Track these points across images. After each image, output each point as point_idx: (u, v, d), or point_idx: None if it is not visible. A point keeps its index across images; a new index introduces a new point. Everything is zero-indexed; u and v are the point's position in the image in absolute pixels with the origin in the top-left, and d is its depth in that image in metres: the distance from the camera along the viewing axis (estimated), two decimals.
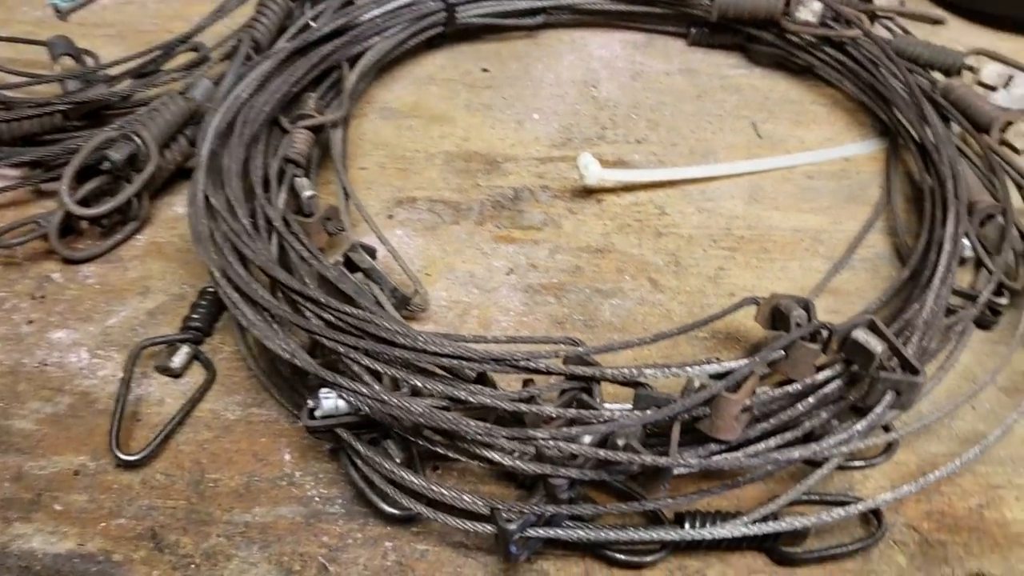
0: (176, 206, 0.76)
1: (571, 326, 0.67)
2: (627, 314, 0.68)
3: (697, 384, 0.53)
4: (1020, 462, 0.60)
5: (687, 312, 0.69)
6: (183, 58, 0.83)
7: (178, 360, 0.64)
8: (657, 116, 0.86)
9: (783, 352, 0.56)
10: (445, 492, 0.53)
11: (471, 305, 0.69)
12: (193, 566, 0.54)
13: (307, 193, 0.70)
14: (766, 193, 0.78)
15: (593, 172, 0.74)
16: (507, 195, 0.78)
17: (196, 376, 0.64)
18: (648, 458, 0.50)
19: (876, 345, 0.54)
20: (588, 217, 0.76)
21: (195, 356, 0.65)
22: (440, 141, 0.82)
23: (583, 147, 0.81)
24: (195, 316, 0.66)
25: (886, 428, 0.59)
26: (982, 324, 0.67)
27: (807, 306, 0.59)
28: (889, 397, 0.54)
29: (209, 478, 0.58)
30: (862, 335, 0.54)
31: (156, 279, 0.70)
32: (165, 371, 0.64)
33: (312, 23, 0.83)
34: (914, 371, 0.54)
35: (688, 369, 0.55)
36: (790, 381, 0.56)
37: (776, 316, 0.60)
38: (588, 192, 0.78)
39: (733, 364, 0.54)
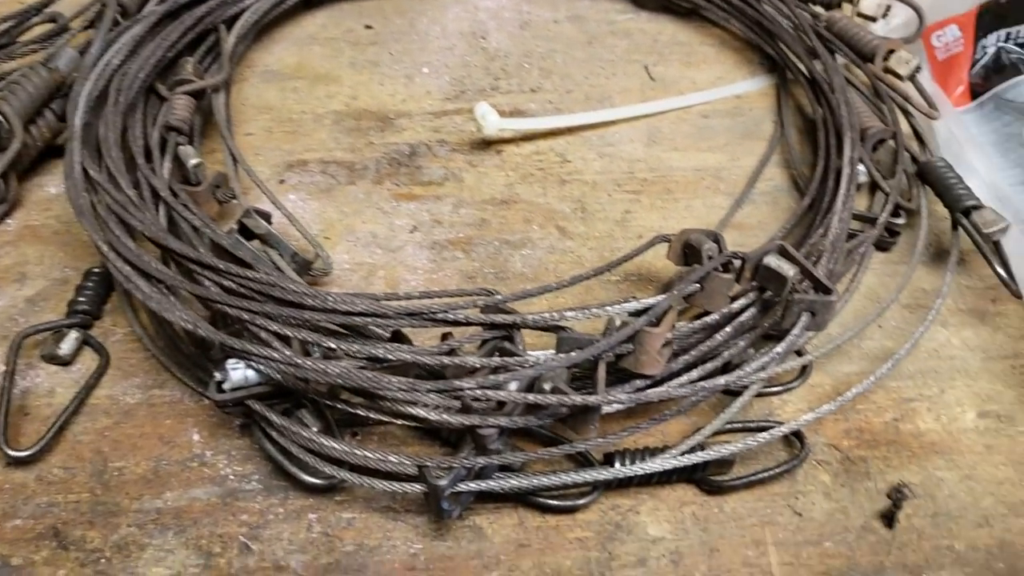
0: (48, 187, 0.71)
1: (482, 280, 0.66)
2: (538, 263, 0.67)
3: (618, 322, 0.52)
4: (928, 375, 0.62)
5: (598, 257, 0.68)
6: (39, 29, 0.77)
7: (66, 347, 0.60)
8: (549, 64, 0.84)
9: (699, 285, 0.55)
10: (369, 455, 0.51)
11: (376, 266, 0.66)
12: (104, 560, 0.50)
13: (193, 161, 0.66)
14: (664, 135, 0.78)
15: (491, 122, 0.72)
16: (403, 152, 0.75)
17: (88, 362, 0.60)
18: (578, 398, 0.49)
19: (788, 269, 0.54)
20: (489, 169, 0.74)
21: (85, 341, 0.61)
22: (327, 101, 0.79)
23: (477, 99, 0.79)
24: (81, 299, 0.62)
25: (799, 352, 0.60)
26: (881, 246, 0.68)
27: (717, 238, 0.59)
28: (805, 319, 0.55)
29: (113, 467, 0.54)
30: (774, 260, 0.55)
31: (33, 264, 0.65)
32: (53, 359, 0.59)
33: None
34: (827, 291, 0.54)
35: (608, 309, 0.54)
36: (707, 313, 0.56)
37: (688, 251, 0.60)
38: (487, 144, 0.76)
39: (651, 300, 0.54)
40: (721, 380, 0.53)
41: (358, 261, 0.67)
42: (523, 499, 0.54)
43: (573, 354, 0.51)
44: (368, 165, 0.74)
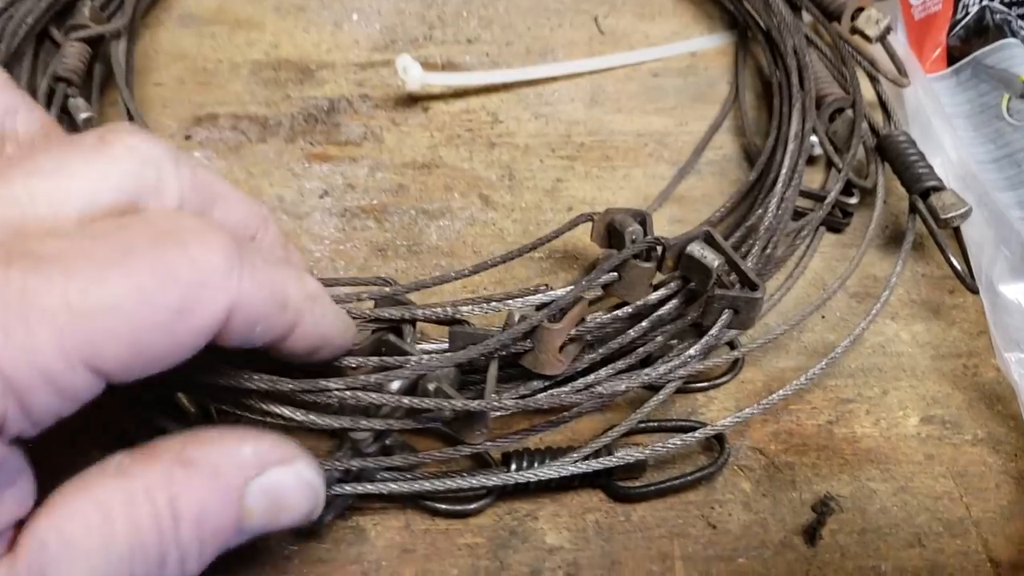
0: None
1: (393, 253, 0.60)
2: (456, 236, 0.62)
3: (517, 317, 0.47)
4: (871, 373, 0.56)
5: (521, 231, 0.62)
6: None
7: None
8: (490, 12, 0.77)
9: (615, 274, 0.50)
10: None
11: None
12: None
13: (83, 115, 0.60)
14: (608, 94, 0.72)
15: (413, 76, 0.66)
16: (321, 107, 0.69)
17: None
18: (459, 403, 0.44)
19: (713, 260, 0.48)
20: (413, 128, 0.68)
21: None
22: (247, 49, 0.73)
23: (408, 49, 0.73)
24: None
25: (732, 346, 0.55)
26: (833, 227, 0.63)
27: (644, 220, 0.53)
28: (726, 316, 0.49)
29: None
30: (698, 249, 0.49)
31: None
32: None
33: None
34: (752, 286, 0.49)
35: (510, 302, 0.49)
36: (624, 304, 0.51)
37: (612, 233, 0.54)
38: (413, 100, 0.70)
39: (561, 292, 0.49)
40: (622, 385, 0.48)
41: None
42: (412, 499, 0.50)
43: (459, 353, 0.46)
44: (282, 121, 0.68)
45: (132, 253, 0.31)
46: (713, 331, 0.49)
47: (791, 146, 0.58)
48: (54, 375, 0.29)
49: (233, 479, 0.37)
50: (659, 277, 0.52)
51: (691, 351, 0.49)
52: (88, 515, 0.33)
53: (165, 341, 0.32)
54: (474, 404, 0.44)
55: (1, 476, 0.31)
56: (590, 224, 0.55)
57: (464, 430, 0.46)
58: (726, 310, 0.49)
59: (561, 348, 0.47)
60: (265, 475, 0.38)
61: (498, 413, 0.47)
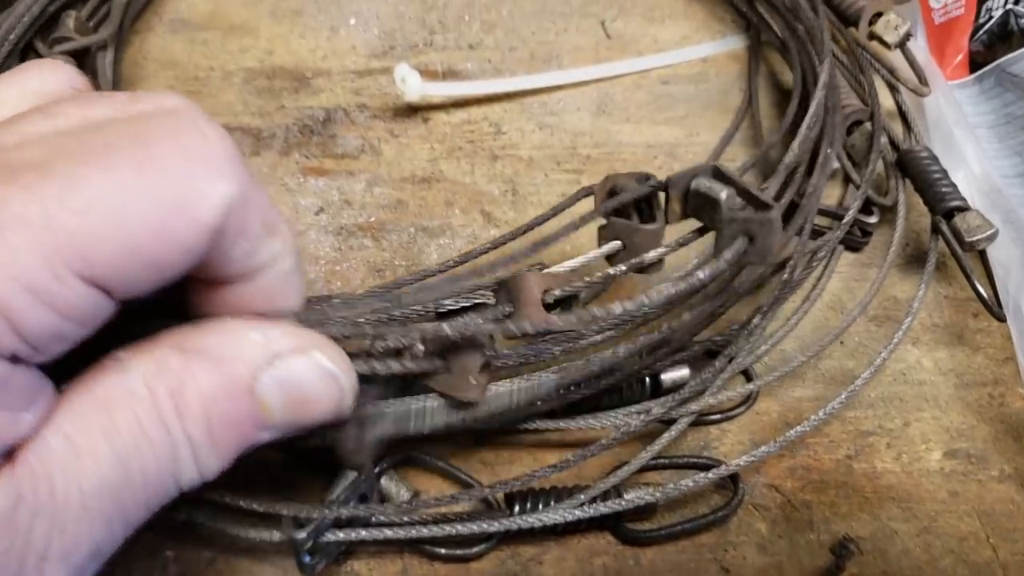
0: None
1: (391, 273, 0.58)
2: (456, 255, 0.59)
3: None
4: (892, 403, 0.54)
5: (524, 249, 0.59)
6: None
7: None
8: (493, 17, 0.74)
9: (619, 243, 0.46)
10: (228, 500, 0.44)
11: None
12: None
13: None
14: (616, 103, 0.69)
15: (412, 86, 0.63)
16: (317, 117, 0.66)
17: None
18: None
19: (720, 190, 0.43)
20: (413, 140, 0.65)
21: None
22: (240, 56, 0.70)
23: (407, 55, 0.70)
24: None
25: (748, 377, 0.52)
26: (852, 246, 0.60)
27: (648, 180, 0.48)
28: (740, 243, 0.43)
29: None
30: (704, 182, 0.44)
31: None
32: None
33: None
34: (765, 207, 0.42)
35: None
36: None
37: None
38: (413, 110, 0.67)
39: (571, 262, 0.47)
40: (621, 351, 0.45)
41: None
42: (411, 544, 0.47)
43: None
44: (276, 132, 0.65)
45: (114, 147, 0.28)
46: (728, 255, 0.42)
47: (809, 114, 0.53)
48: (40, 288, 0.27)
49: (239, 368, 0.33)
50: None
51: (704, 306, 0.45)
52: (90, 414, 0.31)
53: (161, 242, 0.29)
54: (465, 325, 0.39)
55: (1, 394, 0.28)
56: (595, 221, 0.52)
57: (456, 381, 0.42)
58: (740, 237, 0.43)
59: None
60: (278, 366, 0.34)
61: (499, 362, 0.44)
